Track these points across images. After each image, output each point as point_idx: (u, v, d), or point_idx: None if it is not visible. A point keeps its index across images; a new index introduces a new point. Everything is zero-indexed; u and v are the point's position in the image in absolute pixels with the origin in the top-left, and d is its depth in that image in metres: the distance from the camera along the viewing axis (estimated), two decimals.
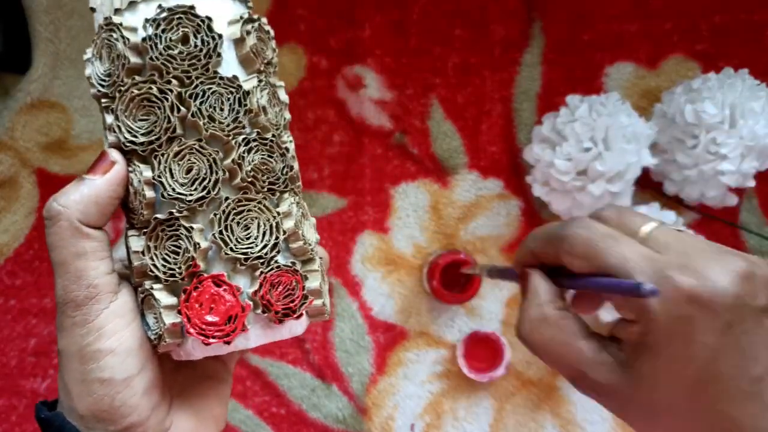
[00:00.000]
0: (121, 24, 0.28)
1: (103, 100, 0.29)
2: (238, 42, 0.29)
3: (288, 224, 0.30)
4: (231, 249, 0.29)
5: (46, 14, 0.73)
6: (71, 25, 0.73)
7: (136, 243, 0.29)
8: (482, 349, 0.70)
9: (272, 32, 0.32)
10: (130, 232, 0.30)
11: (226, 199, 0.29)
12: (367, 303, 0.72)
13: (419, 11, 0.73)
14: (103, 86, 0.29)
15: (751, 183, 0.65)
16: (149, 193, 0.28)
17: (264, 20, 0.31)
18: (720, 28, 0.73)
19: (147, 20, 0.28)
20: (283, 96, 0.32)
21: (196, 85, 0.28)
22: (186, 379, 0.33)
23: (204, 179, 0.28)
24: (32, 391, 0.72)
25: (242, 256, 0.29)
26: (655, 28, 0.73)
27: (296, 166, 0.32)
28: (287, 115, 0.32)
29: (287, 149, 0.31)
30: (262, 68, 0.30)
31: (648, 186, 0.71)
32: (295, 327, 0.31)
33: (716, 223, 0.72)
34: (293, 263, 0.30)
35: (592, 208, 0.65)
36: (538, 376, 0.72)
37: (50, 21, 0.73)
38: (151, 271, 0.29)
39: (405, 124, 0.73)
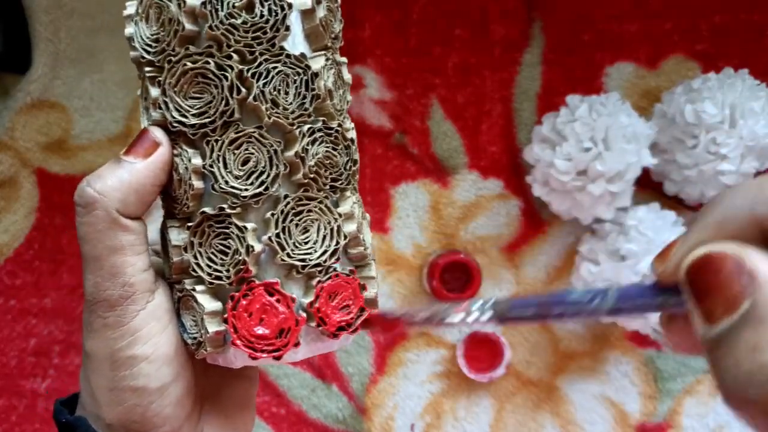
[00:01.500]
0: None
1: (147, 68, 0.25)
2: (307, 13, 0.25)
3: (349, 228, 0.26)
4: (288, 255, 0.25)
5: (46, 14, 0.73)
6: (71, 25, 0.73)
7: (177, 236, 0.26)
8: (482, 349, 0.70)
9: (339, 0, 0.28)
10: (170, 222, 0.26)
11: (285, 197, 0.25)
12: None
13: (419, 11, 0.73)
14: (148, 52, 0.25)
15: None
16: (197, 184, 0.25)
17: None
18: (720, 28, 0.73)
19: None
20: (347, 75, 0.28)
21: (260, 63, 0.24)
22: (215, 379, 0.30)
23: (262, 173, 0.25)
24: (32, 391, 0.72)
25: (299, 263, 0.25)
26: (655, 28, 0.73)
27: (358, 158, 0.28)
28: (349, 97, 0.28)
29: (352, 140, 0.27)
30: (329, 44, 0.26)
31: (648, 186, 0.71)
32: (346, 339, 0.27)
33: None
34: (352, 271, 0.27)
35: (593, 208, 0.65)
36: (538, 376, 0.72)
37: (50, 21, 0.73)
38: (194, 270, 0.25)
39: (405, 124, 0.73)
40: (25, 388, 0.72)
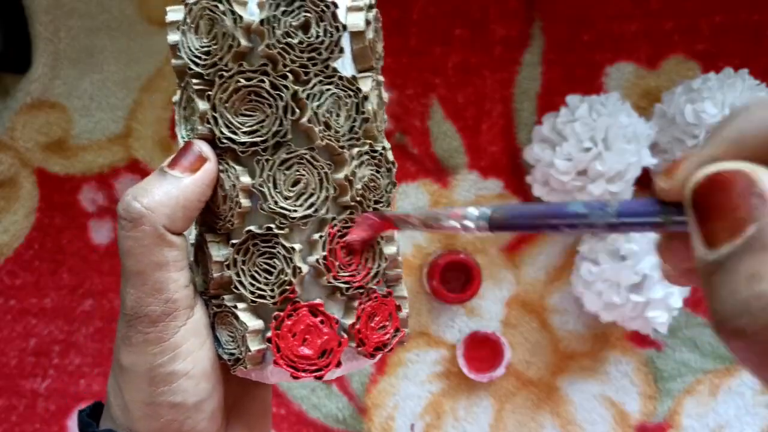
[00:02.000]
0: None
1: (194, 80, 0.25)
2: (357, 35, 0.25)
3: (390, 250, 0.27)
4: (333, 277, 0.25)
5: (46, 14, 0.73)
6: (71, 25, 0.73)
7: (218, 252, 0.26)
8: (482, 349, 0.70)
9: (381, 19, 0.28)
10: (210, 237, 0.26)
11: (332, 219, 0.25)
12: None
13: (419, 11, 0.73)
14: (197, 64, 0.25)
15: None
16: (245, 202, 0.25)
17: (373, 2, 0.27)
18: (720, 28, 0.73)
19: None
20: (384, 94, 0.28)
21: (314, 84, 0.24)
22: (236, 388, 0.30)
23: (312, 195, 0.25)
24: (32, 391, 0.72)
25: (344, 285, 0.26)
26: (655, 28, 0.73)
27: (395, 180, 0.28)
28: (385, 117, 0.29)
29: (393, 163, 0.27)
30: (374, 65, 0.26)
31: (648, 186, 0.71)
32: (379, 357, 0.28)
33: None
34: (389, 292, 0.27)
35: None
36: (538, 376, 0.72)
37: (50, 21, 0.73)
38: (236, 287, 0.25)
39: (405, 124, 0.73)
40: (25, 388, 0.72)
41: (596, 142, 0.62)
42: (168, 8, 0.26)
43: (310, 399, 0.71)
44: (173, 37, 0.25)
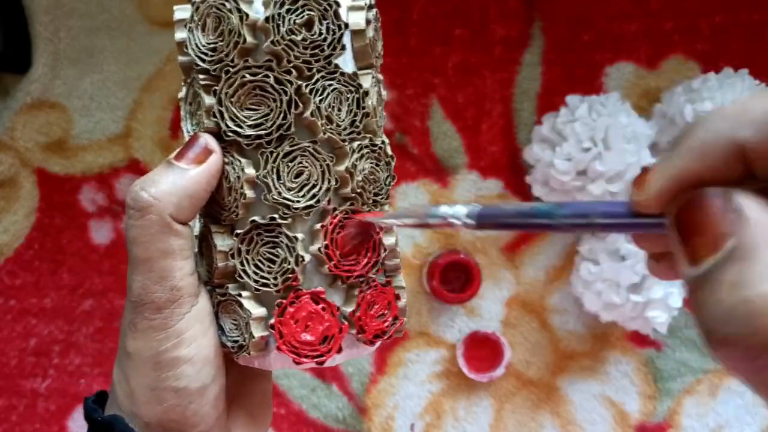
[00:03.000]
0: None
1: (201, 76, 0.26)
2: (358, 33, 0.26)
3: (389, 240, 0.28)
4: (335, 265, 0.26)
5: (46, 14, 0.73)
6: (71, 25, 0.73)
7: (222, 242, 0.26)
8: (482, 349, 0.70)
9: (380, 19, 0.29)
10: (215, 228, 0.27)
11: (334, 209, 0.26)
12: None
13: (419, 11, 0.73)
14: (204, 60, 0.26)
15: None
16: (249, 193, 0.26)
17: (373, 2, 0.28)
18: (720, 28, 0.73)
19: None
20: (384, 92, 0.29)
21: (317, 80, 0.25)
22: (237, 377, 0.31)
23: (314, 186, 0.26)
24: (32, 391, 0.72)
25: (345, 274, 0.27)
26: (655, 28, 0.73)
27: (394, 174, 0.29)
28: (384, 114, 0.30)
29: (392, 156, 0.28)
30: (374, 62, 0.27)
31: None
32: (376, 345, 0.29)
33: None
34: (388, 281, 0.28)
35: None
36: (538, 376, 0.72)
37: (50, 21, 0.73)
38: (240, 276, 0.26)
39: (405, 124, 0.73)
40: (25, 388, 0.72)
41: (596, 142, 0.62)
42: (175, 6, 0.27)
43: (310, 399, 0.71)
44: (180, 34, 0.26)
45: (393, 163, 0.28)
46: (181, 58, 0.26)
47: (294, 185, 0.26)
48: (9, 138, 0.73)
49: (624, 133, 0.62)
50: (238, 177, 0.26)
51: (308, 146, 0.26)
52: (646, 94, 0.73)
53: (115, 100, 0.74)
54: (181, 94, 0.28)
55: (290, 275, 0.26)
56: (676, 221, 0.17)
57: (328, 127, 0.26)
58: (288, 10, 0.25)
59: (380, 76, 0.29)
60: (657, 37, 0.73)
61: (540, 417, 0.71)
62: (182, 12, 0.26)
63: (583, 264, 0.66)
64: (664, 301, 0.62)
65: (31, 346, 0.72)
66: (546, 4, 0.73)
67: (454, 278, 0.68)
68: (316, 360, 0.26)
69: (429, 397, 0.71)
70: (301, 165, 0.26)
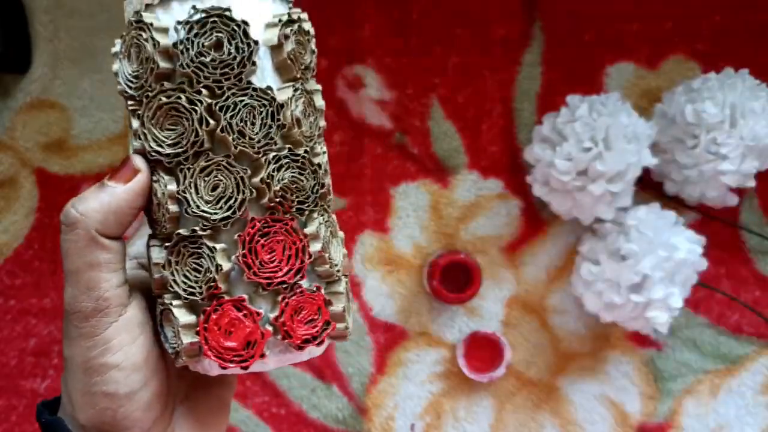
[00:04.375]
0: (151, 24, 0.27)
1: (129, 102, 0.28)
2: (275, 48, 0.28)
3: (315, 247, 0.29)
4: (254, 273, 0.27)
5: (46, 14, 0.73)
6: (71, 25, 0.73)
7: (158, 254, 0.28)
8: (482, 349, 0.70)
9: (312, 32, 0.30)
10: (152, 242, 0.29)
11: (252, 219, 0.28)
12: (367, 303, 0.72)
13: (419, 11, 0.73)
14: (130, 87, 0.28)
15: (752, 183, 0.65)
16: (173, 208, 0.27)
17: (305, 17, 0.29)
18: (720, 28, 0.73)
19: (179, 22, 0.26)
20: (320, 102, 0.30)
21: (227, 97, 0.27)
22: (191, 383, 0.32)
23: (230, 198, 0.27)
24: (32, 391, 0.72)
25: (265, 281, 0.28)
26: (655, 28, 0.73)
27: (328, 181, 0.30)
28: (322, 123, 0.31)
29: (319, 165, 0.29)
30: (298, 75, 0.29)
31: (648, 186, 0.71)
32: (314, 350, 0.30)
33: (716, 223, 0.72)
34: (318, 287, 0.29)
35: (593, 208, 0.65)
36: (538, 376, 0.72)
37: (50, 21, 0.73)
38: (171, 286, 0.28)
39: (405, 124, 0.73)
40: (25, 388, 0.72)
41: (596, 142, 0.62)
42: (116, 40, 0.29)
43: (310, 399, 0.71)
44: (115, 66, 0.29)
45: (321, 171, 0.29)
46: (118, 87, 0.29)
47: (211, 198, 0.27)
48: (9, 138, 0.73)
49: (624, 133, 0.62)
50: (164, 193, 0.27)
51: (222, 160, 0.27)
52: (647, 94, 0.73)
53: (115, 100, 0.74)
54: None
55: (212, 284, 0.27)
56: None
57: (240, 141, 0.27)
58: (196, 34, 0.26)
59: (314, 87, 0.30)
60: (657, 37, 0.73)
61: (540, 417, 0.71)
62: (117, 45, 0.29)
63: (583, 264, 0.66)
64: (664, 301, 0.62)
65: (31, 346, 0.72)
66: (546, 4, 0.73)
67: (454, 278, 0.68)
68: (240, 365, 0.27)
69: (429, 397, 0.71)
70: (216, 179, 0.27)
